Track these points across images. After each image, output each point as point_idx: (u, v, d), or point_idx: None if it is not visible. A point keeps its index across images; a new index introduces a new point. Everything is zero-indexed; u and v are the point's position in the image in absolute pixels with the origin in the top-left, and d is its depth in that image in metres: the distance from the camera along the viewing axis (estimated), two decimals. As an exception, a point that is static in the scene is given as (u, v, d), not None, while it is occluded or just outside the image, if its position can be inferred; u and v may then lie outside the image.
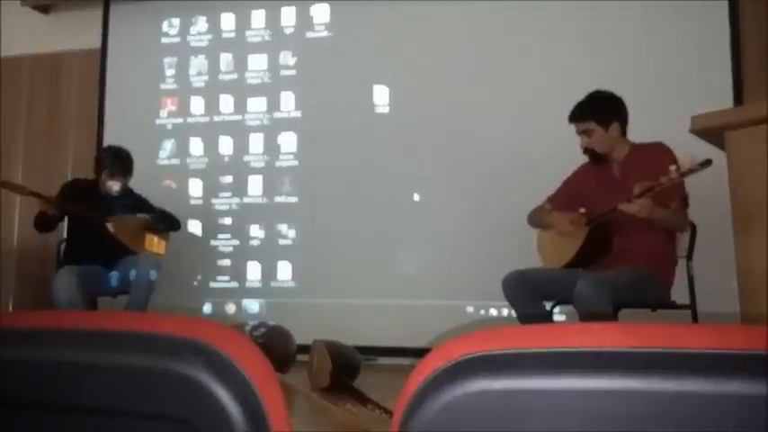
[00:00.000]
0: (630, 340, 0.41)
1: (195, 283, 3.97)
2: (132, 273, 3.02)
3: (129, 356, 0.47)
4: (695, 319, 2.36)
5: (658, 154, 2.36)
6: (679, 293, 2.43)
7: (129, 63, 4.22)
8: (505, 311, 3.28)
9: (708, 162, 1.98)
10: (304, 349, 2.91)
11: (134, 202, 3.27)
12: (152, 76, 4.17)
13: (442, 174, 3.65)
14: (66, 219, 3.17)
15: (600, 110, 2.46)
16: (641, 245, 2.37)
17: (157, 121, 4.15)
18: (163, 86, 4.17)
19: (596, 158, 2.50)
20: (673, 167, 2.09)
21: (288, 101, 3.96)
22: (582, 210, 2.57)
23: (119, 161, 3.20)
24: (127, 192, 3.28)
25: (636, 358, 0.40)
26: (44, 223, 3.06)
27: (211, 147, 4.06)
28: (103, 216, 3.09)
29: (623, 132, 2.50)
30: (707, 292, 2.42)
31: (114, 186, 3.16)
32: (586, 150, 2.50)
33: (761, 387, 0.37)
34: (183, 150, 4.10)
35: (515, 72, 3.60)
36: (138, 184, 3.35)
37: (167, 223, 3.29)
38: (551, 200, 2.64)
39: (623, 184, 2.37)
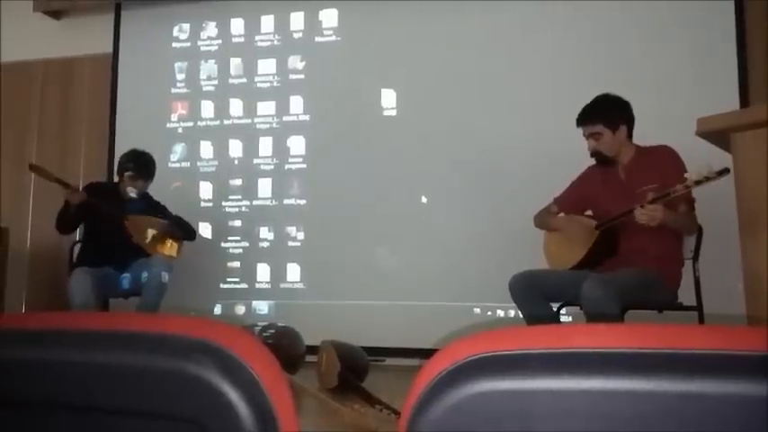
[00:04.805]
0: (637, 341, 0.41)
1: (206, 284, 3.99)
2: (144, 275, 3.04)
3: (140, 357, 0.47)
4: (702, 320, 2.35)
5: (664, 157, 2.35)
6: (685, 295, 2.42)
7: (140, 67, 4.26)
8: (512, 313, 3.26)
9: (726, 171, 1.94)
10: (313, 350, 2.92)
11: (151, 208, 3.29)
12: (163, 80, 4.20)
13: (450, 176, 3.65)
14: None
15: (608, 113, 2.45)
16: (648, 246, 2.35)
17: (168, 125, 4.18)
18: (173, 90, 4.19)
19: (604, 161, 2.48)
20: (688, 175, 2.07)
21: (297, 104, 3.98)
22: (588, 212, 2.56)
23: (142, 165, 3.23)
24: (146, 197, 3.31)
25: (642, 359, 0.40)
26: (66, 221, 3.08)
27: (221, 150, 4.08)
28: (122, 214, 3.12)
29: (630, 135, 2.49)
30: (713, 293, 2.41)
31: (132, 191, 3.19)
32: (594, 153, 2.48)
33: (766, 388, 0.37)
34: (193, 153, 4.13)
35: (523, 75, 3.59)
36: (149, 187, 3.38)
37: (184, 231, 3.30)
38: (557, 202, 2.64)
39: (629, 186, 2.37)
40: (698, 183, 2.06)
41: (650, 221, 2.17)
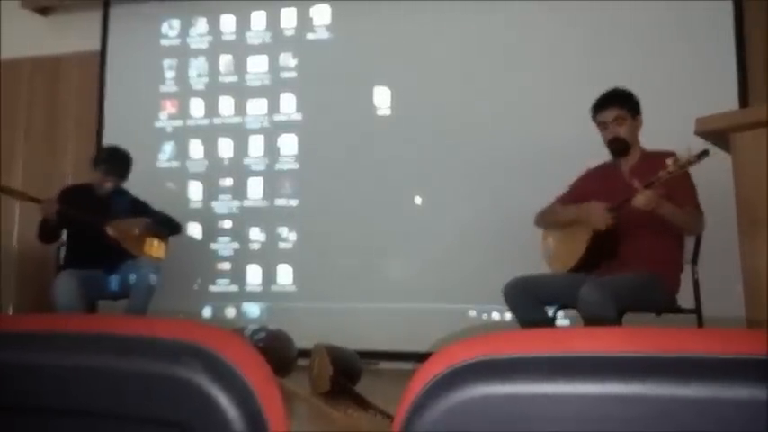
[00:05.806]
0: (634, 345, 0.41)
1: (195, 286, 3.96)
2: (132, 277, 3.01)
3: (128, 360, 0.46)
4: (700, 323, 2.34)
5: None
6: (684, 298, 2.41)
7: (128, 65, 4.22)
8: (508, 315, 3.26)
9: (705, 153, 1.96)
10: (305, 353, 2.90)
11: (133, 206, 3.25)
12: (151, 78, 4.17)
13: (444, 177, 3.64)
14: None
15: (629, 99, 2.43)
16: (647, 249, 2.34)
17: (157, 124, 4.15)
18: (162, 89, 4.16)
19: (622, 151, 2.43)
20: (670, 160, 2.08)
21: (288, 103, 3.96)
22: None
23: (115, 161, 3.19)
24: (125, 194, 3.27)
25: (640, 363, 0.40)
26: (47, 233, 3.06)
27: (211, 149, 4.05)
28: (103, 219, 3.08)
29: None
30: (712, 295, 2.41)
31: (110, 186, 3.15)
32: (614, 141, 2.42)
33: (765, 392, 0.37)
34: (182, 153, 4.10)
35: (519, 75, 3.59)
36: (137, 186, 3.35)
37: (168, 227, 3.28)
38: (560, 201, 2.60)
39: (631, 188, 2.31)
40: (681, 166, 2.06)
41: (646, 205, 2.16)
